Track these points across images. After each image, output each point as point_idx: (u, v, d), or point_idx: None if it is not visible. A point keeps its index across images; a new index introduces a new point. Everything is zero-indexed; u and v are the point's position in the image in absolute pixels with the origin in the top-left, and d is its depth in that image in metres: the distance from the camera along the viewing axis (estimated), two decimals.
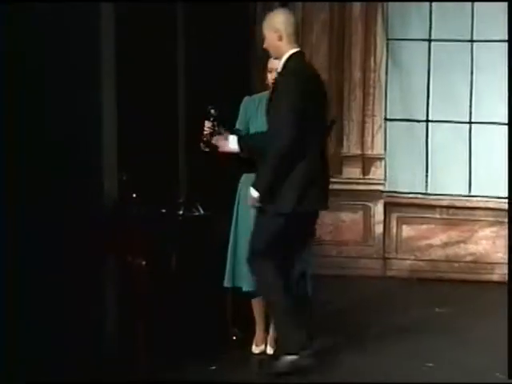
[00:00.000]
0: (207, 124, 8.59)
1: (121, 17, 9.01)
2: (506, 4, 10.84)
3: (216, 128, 8.55)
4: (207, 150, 8.57)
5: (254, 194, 8.01)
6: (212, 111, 8.58)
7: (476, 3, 11.15)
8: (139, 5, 9.63)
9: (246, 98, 8.55)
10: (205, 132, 8.60)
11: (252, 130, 8.38)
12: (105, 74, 8.60)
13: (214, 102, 8.69)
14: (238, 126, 8.45)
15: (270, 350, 8.63)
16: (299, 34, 10.69)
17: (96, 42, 8.60)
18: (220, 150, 8.20)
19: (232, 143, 8.26)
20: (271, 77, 8.38)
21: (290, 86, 8.06)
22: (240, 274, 8.51)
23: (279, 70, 8.19)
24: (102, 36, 8.68)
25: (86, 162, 8.23)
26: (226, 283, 8.58)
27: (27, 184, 7.85)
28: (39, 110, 8.17)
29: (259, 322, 8.71)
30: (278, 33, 8.18)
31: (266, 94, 8.40)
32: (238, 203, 8.53)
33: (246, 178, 8.41)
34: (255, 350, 8.69)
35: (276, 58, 8.27)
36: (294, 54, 8.19)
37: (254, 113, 8.41)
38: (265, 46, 8.22)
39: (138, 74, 9.36)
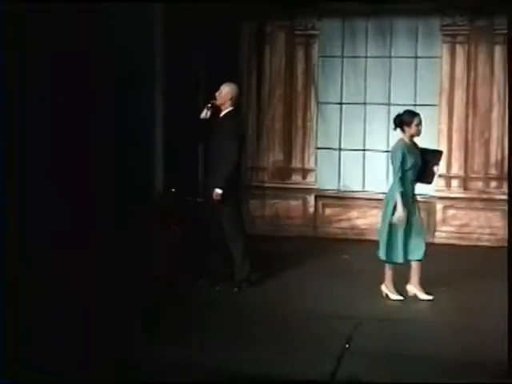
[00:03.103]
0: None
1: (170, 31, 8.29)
2: (388, 73, 10.91)
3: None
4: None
5: (219, 191, 7.91)
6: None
7: (367, 78, 10.99)
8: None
9: (394, 150, 7.81)
10: None
11: (409, 165, 7.68)
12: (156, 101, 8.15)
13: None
14: (400, 169, 7.67)
15: (422, 296, 7.95)
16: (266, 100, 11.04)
17: (149, 54, 7.99)
18: None
19: None
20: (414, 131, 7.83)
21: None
22: (396, 251, 7.93)
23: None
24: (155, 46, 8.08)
25: (143, 169, 8.06)
26: (383, 256, 7.98)
27: (99, 180, 7.56)
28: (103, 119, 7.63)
29: (415, 275, 8.03)
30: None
31: (403, 144, 7.80)
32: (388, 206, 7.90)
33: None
34: (394, 297, 7.98)
35: None
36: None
37: (406, 156, 7.68)
38: None
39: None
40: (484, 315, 7.40)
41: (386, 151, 10.91)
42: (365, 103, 11.08)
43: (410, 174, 7.79)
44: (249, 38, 11.27)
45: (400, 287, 8.08)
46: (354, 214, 11.19)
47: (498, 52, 10.53)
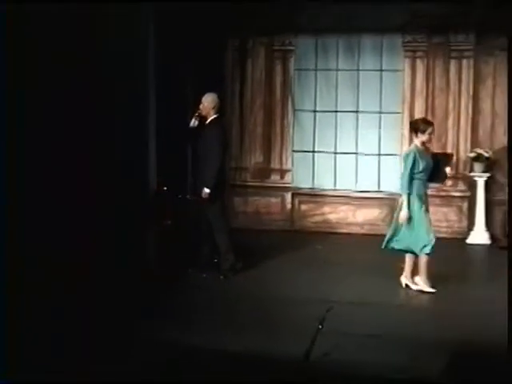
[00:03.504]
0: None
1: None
2: (356, 85, 10.86)
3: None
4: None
5: (207, 190, 7.90)
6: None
7: (338, 88, 10.94)
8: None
9: (406, 154, 7.59)
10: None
11: (421, 167, 7.44)
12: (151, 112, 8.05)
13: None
14: (409, 171, 7.45)
15: (427, 289, 7.62)
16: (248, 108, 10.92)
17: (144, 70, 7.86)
18: None
19: None
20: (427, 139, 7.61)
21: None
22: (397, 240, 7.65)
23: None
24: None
25: (140, 170, 8.01)
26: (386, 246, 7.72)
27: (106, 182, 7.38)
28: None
29: (407, 268, 7.73)
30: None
31: (415, 149, 7.54)
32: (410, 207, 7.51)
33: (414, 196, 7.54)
34: (402, 283, 7.73)
35: None
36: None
37: (417, 159, 7.45)
38: None
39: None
40: (443, 298, 7.49)
41: (355, 153, 10.98)
42: (336, 111, 11.05)
43: (422, 176, 7.58)
44: (233, 52, 11.27)
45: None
46: (326, 209, 11.13)
47: (453, 66, 10.63)
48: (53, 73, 6.46)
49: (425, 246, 7.59)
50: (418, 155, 7.53)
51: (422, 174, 7.57)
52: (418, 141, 7.64)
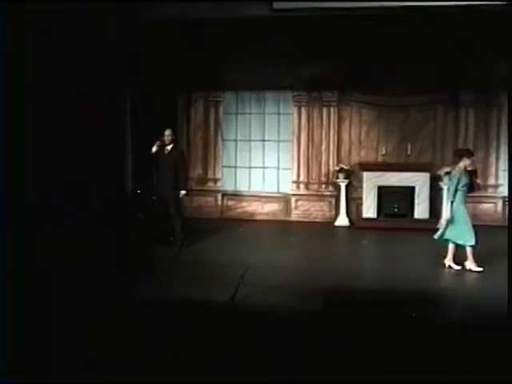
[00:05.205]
0: None
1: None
2: (263, 122, 10.73)
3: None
4: None
5: (183, 192, 7.84)
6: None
7: (251, 125, 10.81)
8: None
9: (454, 175, 6.84)
10: None
11: (464, 183, 6.77)
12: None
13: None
14: (455, 186, 6.73)
15: (475, 268, 6.77)
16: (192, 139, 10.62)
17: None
18: None
19: None
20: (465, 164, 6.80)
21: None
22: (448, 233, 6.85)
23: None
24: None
25: (120, 179, 7.85)
26: (439, 237, 6.91)
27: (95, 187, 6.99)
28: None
29: (450, 255, 6.91)
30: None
31: (459, 171, 6.81)
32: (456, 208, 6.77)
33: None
34: (446, 264, 6.90)
35: None
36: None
37: (461, 178, 6.75)
38: None
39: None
40: (319, 259, 7.57)
41: (262, 167, 10.95)
42: (250, 140, 10.92)
43: (465, 189, 6.90)
44: (182, 103, 11.05)
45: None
46: (244, 204, 10.95)
47: (325, 111, 10.72)
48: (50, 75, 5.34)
49: (468, 240, 6.85)
50: (459, 176, 6.88)
51: (464, 188, 6.91)
52: (462, 164, 6.90)
